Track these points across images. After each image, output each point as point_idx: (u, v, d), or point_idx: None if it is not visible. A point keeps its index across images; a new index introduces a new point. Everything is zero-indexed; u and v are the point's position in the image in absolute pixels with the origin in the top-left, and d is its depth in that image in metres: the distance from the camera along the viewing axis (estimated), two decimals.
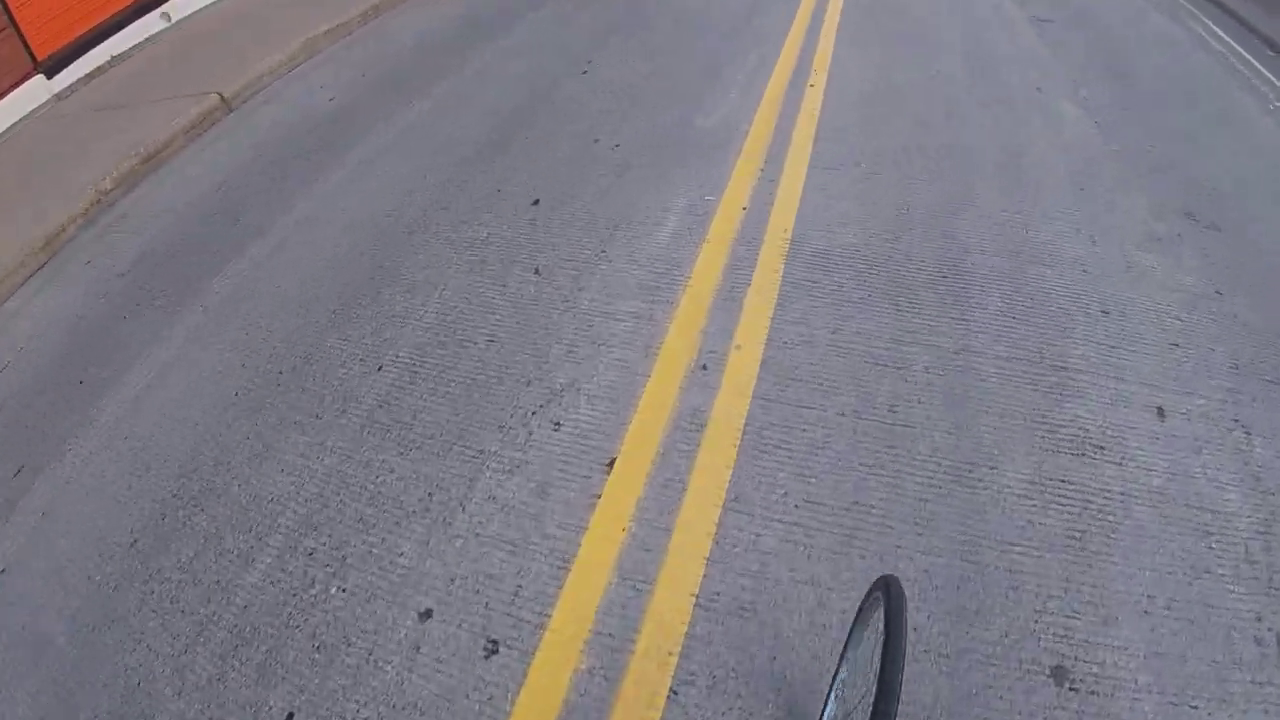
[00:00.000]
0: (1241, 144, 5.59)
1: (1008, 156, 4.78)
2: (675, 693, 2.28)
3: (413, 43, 7.33)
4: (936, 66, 6.03)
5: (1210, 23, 8.92)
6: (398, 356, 3.49)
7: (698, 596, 2.51)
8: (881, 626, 1.57)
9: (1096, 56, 6.82)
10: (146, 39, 9.15)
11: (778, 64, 5.90)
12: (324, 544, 2.76)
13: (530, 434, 3.09)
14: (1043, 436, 2.99)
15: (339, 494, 2.94)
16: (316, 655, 2.45)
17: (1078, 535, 2.69)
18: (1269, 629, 2.44)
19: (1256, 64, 7.69)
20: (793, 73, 5.75)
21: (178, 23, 10.10)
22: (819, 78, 5.64)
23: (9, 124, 6.61)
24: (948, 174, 4.55)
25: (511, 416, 3.16)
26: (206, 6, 10.49)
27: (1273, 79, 7.30)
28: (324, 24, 7.77)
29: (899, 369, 3.23)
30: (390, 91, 6.18)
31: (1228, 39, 8.40)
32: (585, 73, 6.00)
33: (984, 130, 5.07)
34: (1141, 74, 6.61)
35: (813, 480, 2.83)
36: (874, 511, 2.72)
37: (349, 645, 2.46)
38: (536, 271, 3.88)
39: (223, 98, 6.41)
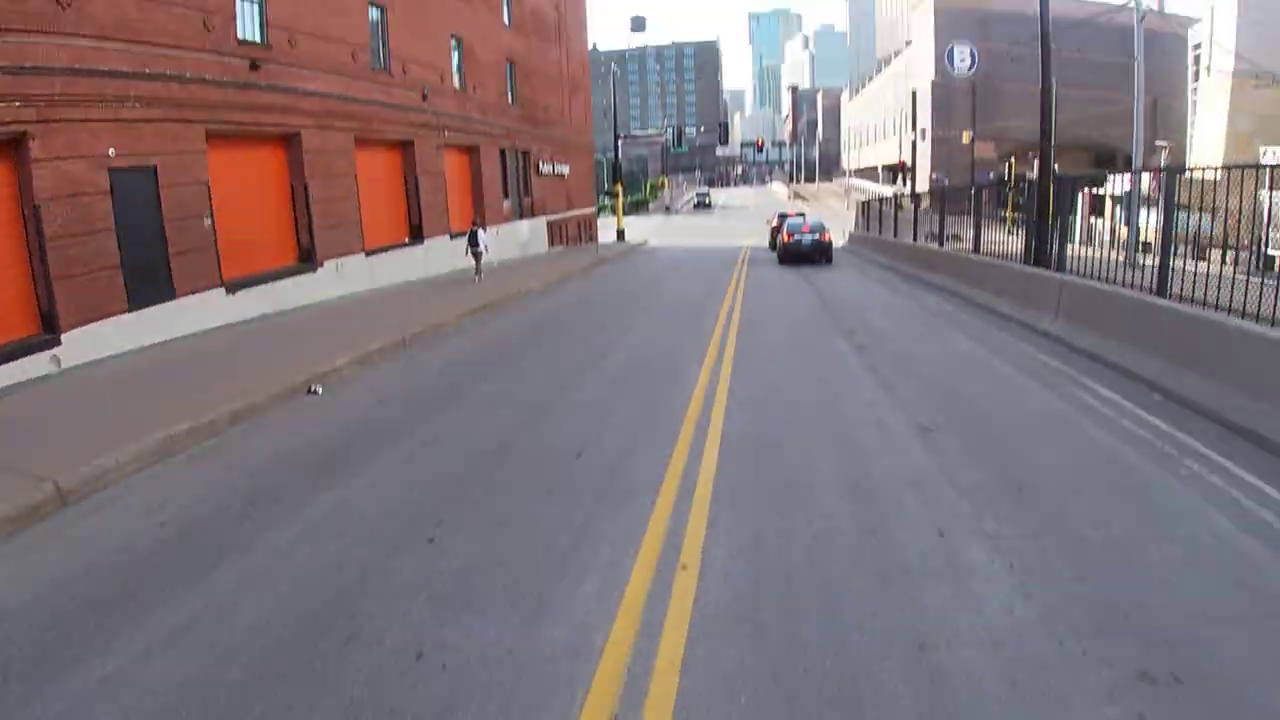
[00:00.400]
0: (1170, 540, 4.96)
1: (920, 652, 3.80)
2: None
3: (274, 456, 7.13)
4: (823, 520, 5.41)
5: (1087, 379, 9.09)
6: None
7: None
8: None
9: (991, 464, 6.37)
10: (29, 380, 8.70)
11: (645, 537, 5.20)
12: None
13: None
14: None
15: None
16: None
17: None
18: None
19: (1149, 417, 7.54)
20: (661, 551, 5.09)
21: (66, 370, 9.59)
22: (691, 558, 5.00)
23: None
24: (853, 703, 3.68)
25: None
26: (102, 359, 10.11)
27: (1171, 432, 7.08)
28: (199, 416, 7.65)
29: None
30: (228, 523, 5.60)
31: (1109, 394, 8.43)
32: (432, 541, 5.15)
33: (887, 618, 4.10)
34: (1042, 475, 6.09)
35: None
36: None
37: None
38: None
39: (59, 489, 5.79)
